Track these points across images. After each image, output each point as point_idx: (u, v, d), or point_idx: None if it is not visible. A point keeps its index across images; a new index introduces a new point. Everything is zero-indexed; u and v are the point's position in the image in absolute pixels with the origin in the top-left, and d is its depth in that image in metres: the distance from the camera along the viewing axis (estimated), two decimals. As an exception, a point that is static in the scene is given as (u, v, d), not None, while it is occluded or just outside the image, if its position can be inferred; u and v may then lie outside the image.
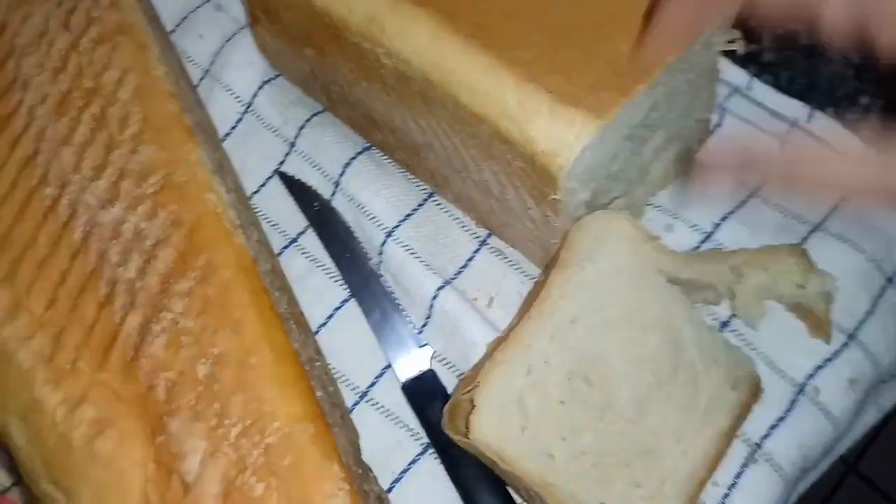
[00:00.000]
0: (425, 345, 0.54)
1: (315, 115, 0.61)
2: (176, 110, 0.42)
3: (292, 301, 0.52)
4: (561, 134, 0.43)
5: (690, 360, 0.48)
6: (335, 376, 0.53)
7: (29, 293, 0.38)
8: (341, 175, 0.59)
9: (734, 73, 0.63)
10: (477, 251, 0.57)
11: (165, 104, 0.42)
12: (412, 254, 0.56)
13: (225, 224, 0.40)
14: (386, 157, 0.60)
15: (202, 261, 0.39)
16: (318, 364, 0.47)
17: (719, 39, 0.50)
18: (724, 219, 0.57)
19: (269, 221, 0.59)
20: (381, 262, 0.57)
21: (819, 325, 0.52)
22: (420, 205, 0.58)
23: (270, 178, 0.60)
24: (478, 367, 0.48)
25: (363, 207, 0.58)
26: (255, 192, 0.60)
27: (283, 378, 0.37)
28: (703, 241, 0.56)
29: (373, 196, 0.58)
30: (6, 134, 0.42)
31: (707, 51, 0.50)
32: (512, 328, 0.48)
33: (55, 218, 0.40)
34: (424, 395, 0.53)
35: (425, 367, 0.53)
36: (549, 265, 0.51)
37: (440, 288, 0.55)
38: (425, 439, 0.52)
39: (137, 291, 0.38)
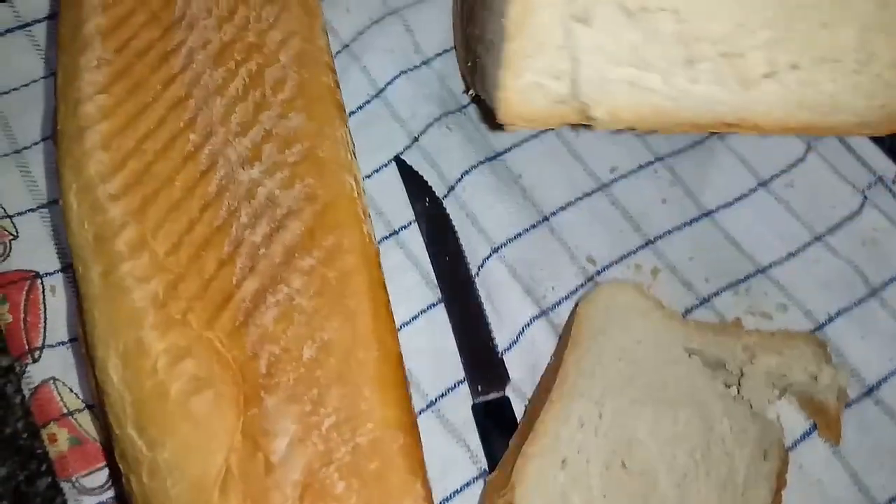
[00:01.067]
0: (504, 370, 0.53)
1: (445, 114, 0.60)
2: (331, 84, 0.42)
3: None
4: None
5: (722, 434, 0.47)
6: (408, 379, 0.52)
7: (155, 234, 0.38)
8: (459, 180, 0.58)
9: (880, 161, 0.60)
10: (581, 286, 0.55)
11: (323, 75, 0.42)
12: (513, 275, 0.55)
13: (357, 209, 0.39)
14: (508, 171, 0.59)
15: (329, 241, 0.38)
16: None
17: None
18: (838, 313, 0.55)
19: (375, 209, 0.58)
20: (478, 274, 0.56)
21: (829, 424, 0.50)
22: (532, 226, 0.57)
23: (386, 165, 0.60)
24: (505, 466, 0.46)
25: (474, 217, 0.57)
26: (367, 177, 0.59)
27: (385, 380, 0.36)
28: (812, 331, 0.54)
29: (486, 208, 0.57)
30: (164, 70, 0.42)
31: None
32: (532, 414, 0.47)
33: (195, 165, 0.40)
34: (493, 421, 0.51)
35: (500, 393, 0.52)
36: (560, 346, 0.51)
37: (535, 317, 0.54)
38: (484, 464, 0.51)
39: (260, 258, 0.37)
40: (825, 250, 0.57)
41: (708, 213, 0.58)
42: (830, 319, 0.55)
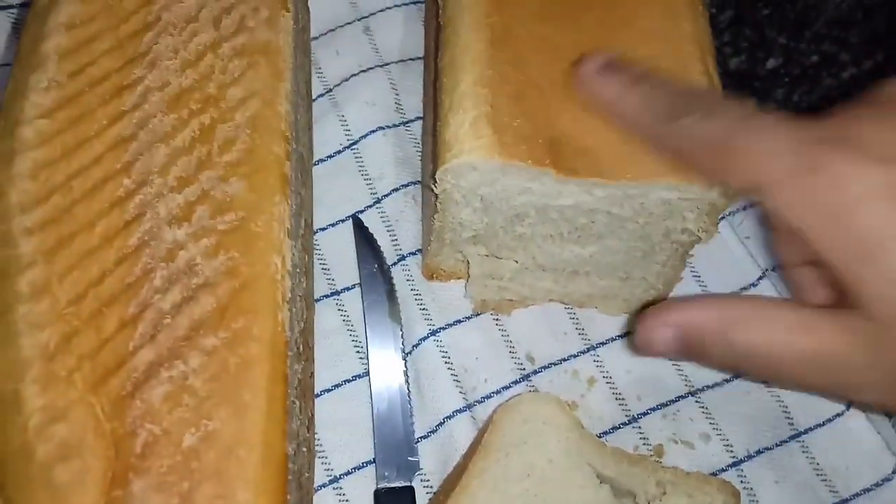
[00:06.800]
0: (416, 459, 0.51)
1: (414, 183, 0.59)
2: (282, 154, 0.40)
3: (310, 360, 0.49)
4: (462, 136, 0.43)
5: None
6: (316, 448, 0.51)
7: (62, 280, 0.36)
8: (412, 254, 0.57)
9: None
10: (515, 383, 0.54)
11: (275, 144, 0.40)
12: (446, 362, 0.54)
13: (277, 295, 0.37)
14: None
15: (239, 324, 0.36)
16: (303, 450, 0.44)
17: (690, 211, 0.47)
18: (759, 452, 0.53)
19: (322, 264, 0.57)
20: (411, 353, 0.54)
21: None
22: (477, 314, 0.55)
23: (343, 221, 0.58)
24: None
25: (419, 295, 0.56)
26: (322, 229, 0.58)
27: (264, 486, 0.34)
28: (728, 467, 0.53)
29: (433, 287, 0.56)
30: (114, 105, 0.40)
31: (670, 212, 0.46)
32: None
33: (121, 213, 0.38)
34: (392, 509, 0.50)
35: (406, 482, 0.50)
36: (472, 447, 0.49)
37: (459, 410, 0.52)
38: (373, 553, 0.49)
39: (163, 327, 0.36)
40: (758, 383, 0.56)
41: (654, 329, 0.57)
42: (749, 458, 0.53)
